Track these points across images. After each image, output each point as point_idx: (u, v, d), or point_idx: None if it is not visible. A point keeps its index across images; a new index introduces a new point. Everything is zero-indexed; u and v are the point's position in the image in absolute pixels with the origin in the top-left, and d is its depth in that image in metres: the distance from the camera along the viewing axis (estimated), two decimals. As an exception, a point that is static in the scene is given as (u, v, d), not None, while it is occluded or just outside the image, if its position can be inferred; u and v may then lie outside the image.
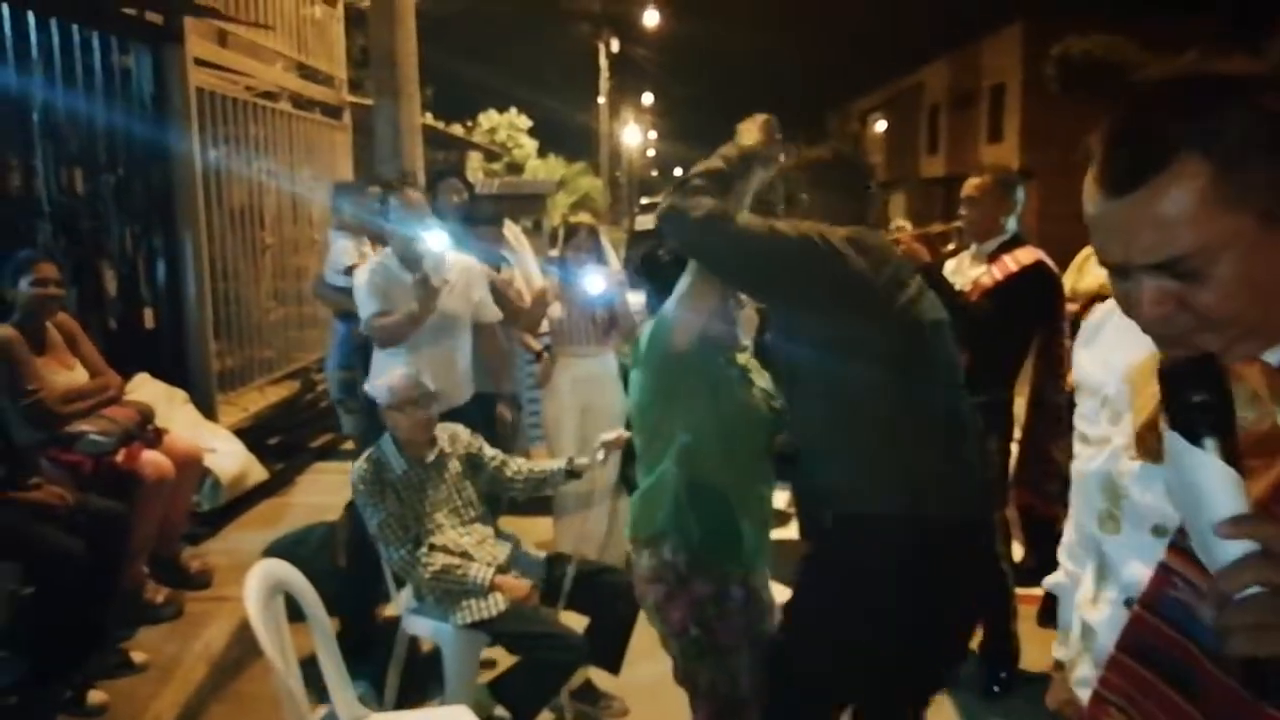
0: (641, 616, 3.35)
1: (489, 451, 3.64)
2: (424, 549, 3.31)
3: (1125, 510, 1.20)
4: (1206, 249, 0.96)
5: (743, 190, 2.47)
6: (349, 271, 4.69)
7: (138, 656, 3.58)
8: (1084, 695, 1.26)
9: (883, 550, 2.29)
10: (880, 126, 35.58)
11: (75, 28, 4.90)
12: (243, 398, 6.03)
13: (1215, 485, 0.90)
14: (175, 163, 5.39)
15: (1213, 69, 0.99)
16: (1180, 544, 1.06)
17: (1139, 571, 1.15)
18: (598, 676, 3.63)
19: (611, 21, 35.06)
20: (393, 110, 7.36)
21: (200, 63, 5.59)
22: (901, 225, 7.15)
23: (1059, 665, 1.48)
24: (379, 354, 4.17)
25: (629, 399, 2.85)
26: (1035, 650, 3.72)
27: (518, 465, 3.65)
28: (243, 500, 5.10)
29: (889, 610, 2.29)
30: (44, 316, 3.85)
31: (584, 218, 5.39)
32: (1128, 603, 1.16)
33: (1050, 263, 3.67)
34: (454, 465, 3.53)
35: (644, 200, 20.91)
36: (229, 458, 4.86)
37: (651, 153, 64.73)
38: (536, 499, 4.01)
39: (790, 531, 4.83)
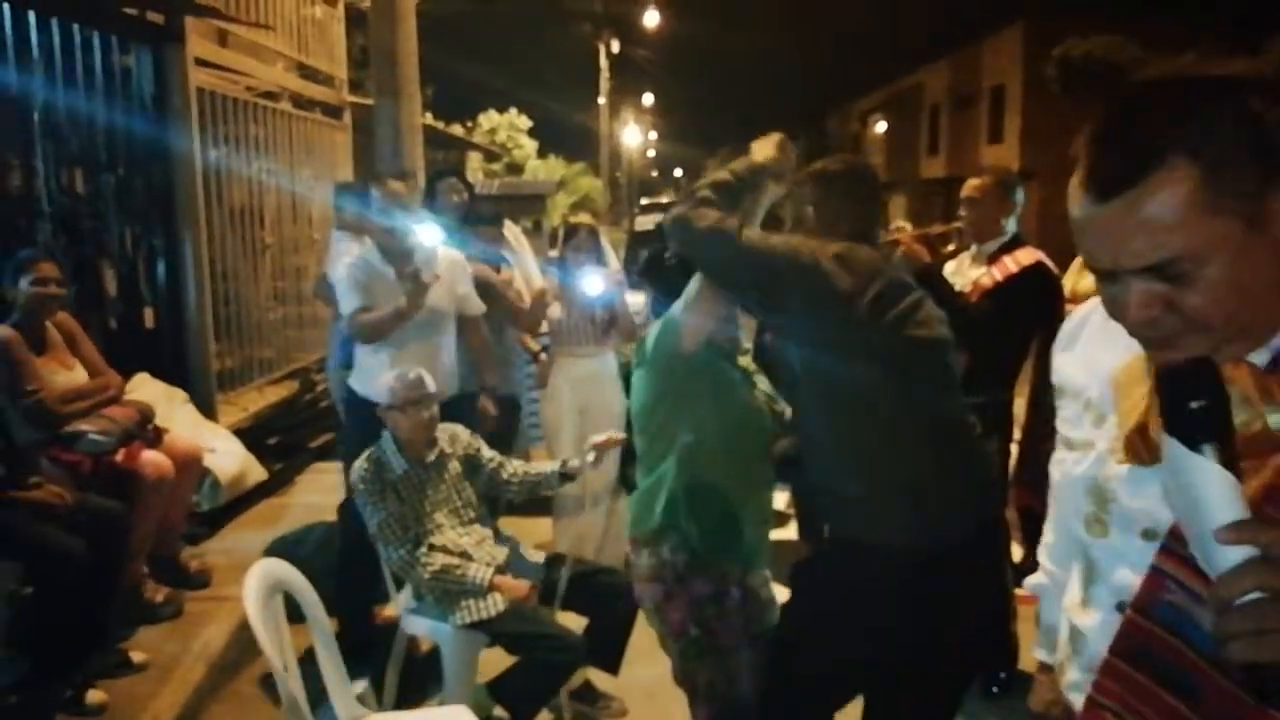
0: (640, 617, 3.36)
1: (487, 453, 3.64)
2: (423, 549, 3.31)
3: (1113, 514, 1.19)
4: (1195, 252, 0.97)
5: (754, 204, 2.52)
6: None
7: (137, 656, 3.58)
8: (1076, 700, 1.26)
9: (882, 568, 2.29)
10: (880, 127, 35.57)
11: (76, 27, 4.91)
12: (242, 397, 6.03)
13: (1214, 491, 0.90)
14: (176, 162, 5.39)
15: (1201, 71, 1.00)
16: (1172, 547, 1.07)
17: (1130, 576, 1.15)
18: (597, 677, 3.63)
19: (612, 22, 35.04)
20: (393, 110, 7.35)
21: (201, 62, 5.60)
22: (902, 226, 7.14)
23: (1042, 666, 1.48)
24: (363, 349, 4.10)
25: (631, 399, 2.85)
26: (1035, 651, 3.72)
27: (514, 467, 3.65)
28: (242, 500, 5.10)
29: (887, 629, 2.29)
30: (44, 316, 3.85)
31: (584, 218, 5.40)
32: (1120, 607, 1.16)
33: (1050, 264, 3.67)
34: (454, 466, 3.53)
35: (644, 201, 20.92)
36: (228, 457, 4.87)
37: (651, 153, 64.84)
38: (536, 499, 4.01)
39: (790, 532, 4.83)
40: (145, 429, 4.01)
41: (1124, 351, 1.14)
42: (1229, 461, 0.91)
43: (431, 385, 3.49)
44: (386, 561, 3.41)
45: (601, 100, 37.12)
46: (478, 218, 4.89)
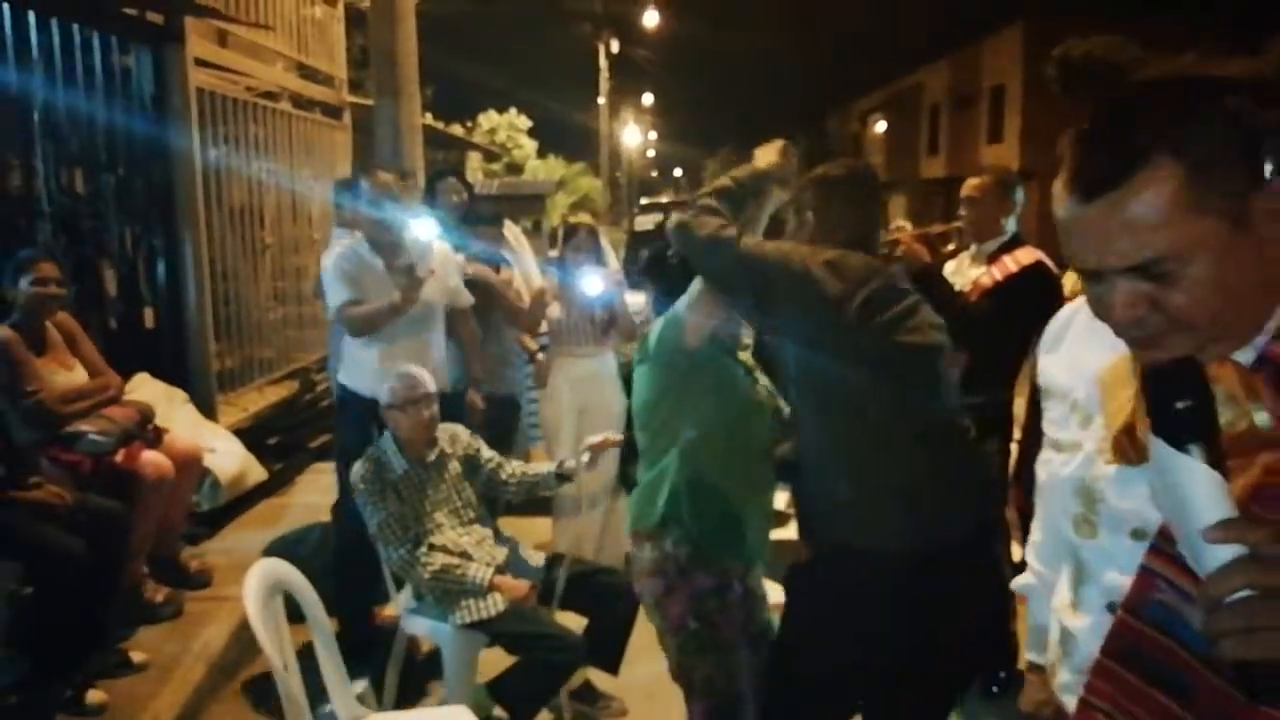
0: (640, 617, 3.36)
1: (486, 453, 3.64)
2: (423, 549, 3.31)
3: (1102, 515, 1.19)
4: (1179, 251, 0.98)
5: (758, 210, 2.57)
6: None
7: (137, 656, 3.58)
8: (1068, 702, 1.26)
9: (876, 573, 2.29)
10: (880, 127, 35.57)
11: (76, 27, 4.90)
12: (242, 398, 6.03)
13: (1201, 490, 0.91)
14: (175, 162, 5.38)
15: (1187, 72, 1.00)
16: (1162, 547, 1.07)
17: (1119, 576, 1.15)
18: (596, 677, 3.63)
19: (612, 22, 35.03)
20: (393, 110, 7.35)
21: (200, 63, 5.59)
22: (901, 226, 7.15)
23: (1032, 667, 1.48)
24: (352, 344, 4.06)
25: (633, 395, 2.86)
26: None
27: (512, 468, 3.65)
28: (242, 500, 5.10)
29: (884, 633, 2.30)
30: (44, 316, 3.85)
31: (583, 218, 5.39)
32: (1110, 607, 1.16)
33: (1050, 263, 3.67)
34: (454, 466, 3.53)
35: (643, 201, 20.90)
36: (228, 457, 4.87)
37: (651, 153, 64.81)
38: (536, 500, 4.00)
39: (790, 532, 4.81)
40: (145, 429, 4.01)
41: (1109, 352, 1.15)
42: (1215, 461, 0.91)
43: (432, 385, 3.49)
44: (386, 561, 3.41)
45: (601, 100, 37.12)
46: (477, 218, 4.89)
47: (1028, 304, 3.60)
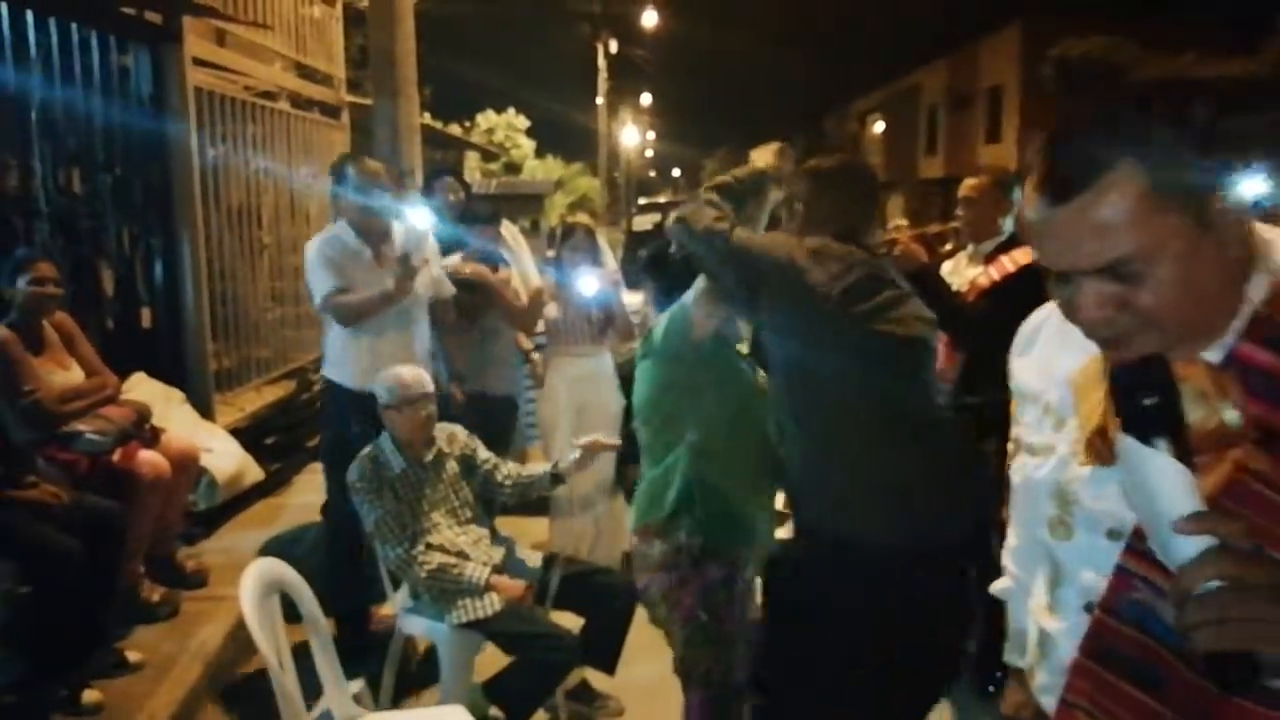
0: (638, 616, 3.36)
1: (483, 454, 3.64)
2: (420, 547, 3.31)
3: (1077, 516, 1.20)
4: (1146, 252, 1.00)
5: (758, 209, 2.64)
6: None
7: (133, 655, 3.57)
8: (1047, 703, 1.27)
9: (866, 567, 2.30)
10: (879, 127, 35.61)
11: (74, 27, 4.90)
12: (240, 397, 6.02)
13: (1170, 484, 0.93)
14: (173, 162, 5.38)
15: (1150, 76, 1.03)
16: (1137, 546, 1.08)
17: (1095, 577, 1.16)
18: (593, 676, 3.63)
19: (610, 22, 35.02)
20: (391, 110, 7.35)
21: (199, 62, 5.59)
22: (899, 225, 7.15)
23: (1012, 670, 1.48)
24: (336, 337, 4.02)
25: (636, 391, 2.88)
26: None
27: (508, 469, 3.65)
28: (239, 500, 5.10)
29: (874, 626, 2.30)
30: (41, 316, 3.85)
31: (581, 218, 5.39)
32: (1087, 608, 1.17)
33: (1047, 264, 3.67)
34: (451, 466, 3.53)
35: (642, 201, 20.88)
36: (225, 457, 4.86)
37: (650, 153, 64.78)
38: (533, 500, 4.00)
39: (789, 531, 4.82)
40: (142, 429, 4.01)
41: (1081, 354, 1.17)
42: (1183, 455, 0.93)
43: (430, 385, 3.49)
44: (383, 560, 3.41)
45: (599, 100, 37.10)
46: (475, 217, 4.89)
47: (1025, 304, 3.57)
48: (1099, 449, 1.10)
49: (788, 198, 2.66)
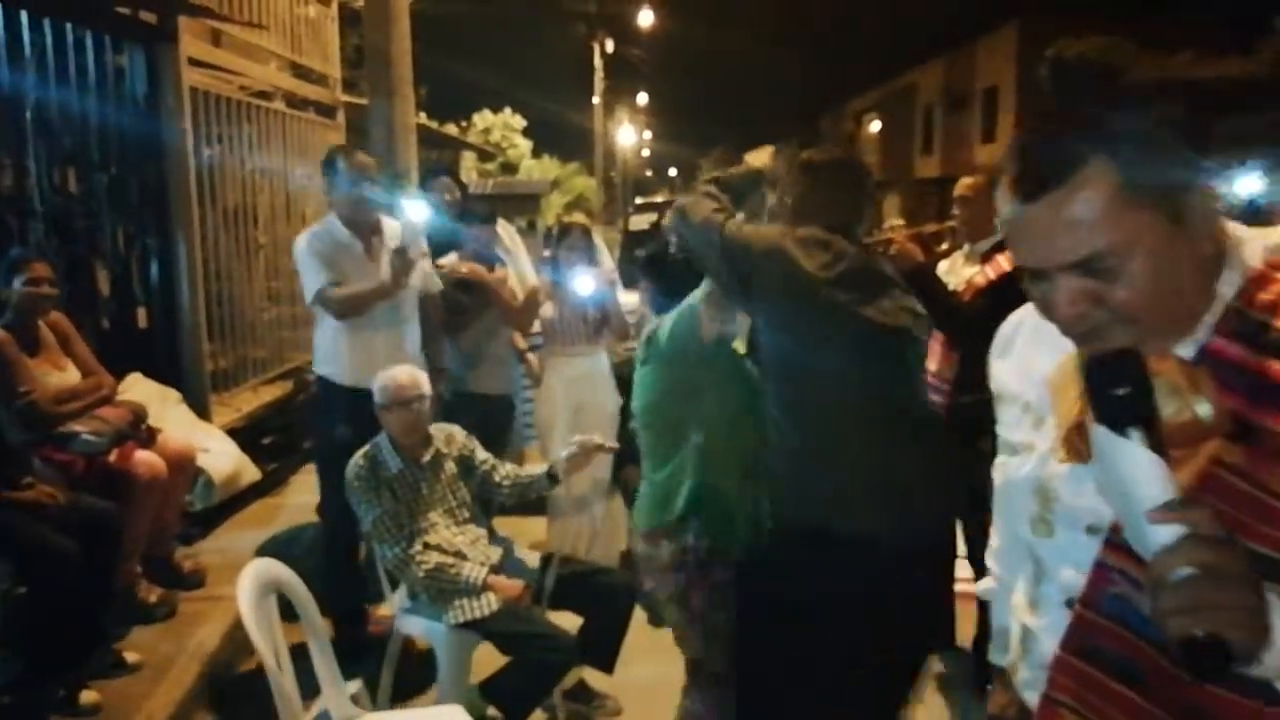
0: (637, 616, 3.37)
1: (481, 454, 3.64)
2: (418, 547, 3.30)
3: (1057, 513, 1.22)
4: (1118, 247, 1.02)
5: (754, 205, 2.68)
6: None
7: (131, 656, 3.57)
8: (1030, 699, 1.28)
9: (854, 561, 2.31)
10: (875, 127, 35.64)
11: (69, 27, 4.89)
12: (236, 397, 6.02)
13: (1142, 474, 0.94)
14: (169, 162, 5.37)
15: (1123, 77, 1.04)
16: (1115, 540, 1.10)
17: (1075, 573, 1.17)
18: (592, 676, 3.63)
19: (606, 22, 35.04)
20: (387, 110, 7.34)
21: (194, 62, 5.58)
22: (895, 225, 7.16)
23: (996, 669, 1.49)
24: (329, 332, 3.99)
25: (637, 395, 2.88)
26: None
27: (506, 470, 3.65)
28: (236, 500, 5.09)
29: (861, 620, 2.32)
30: (37, 316, 3.84)
31: (578, 218, 5.39)
32: (1068, 603, 1.18)
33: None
34: (449, 466, 3.53)
35: (638, 200, 20.88)
36: (222, 457, 4.86)
37: (646, 153, 64.78)
38: (531, 500, 4.00)
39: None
40: (138, 429, 4.00)
41: (1057, 354, 1.18)
42: (1155, 445, 0.95)
43: (426, 387, 3.48)
44: (381, 559, 3.41)
45: (596, 100, 37.10)
46: (472, 217, 4.89)
47: (1021, 303, 3.61)
48: (1076, 445, 1.11)
49: (780, 192, 2.67)
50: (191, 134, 5.46)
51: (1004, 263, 3.65)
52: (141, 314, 5.43)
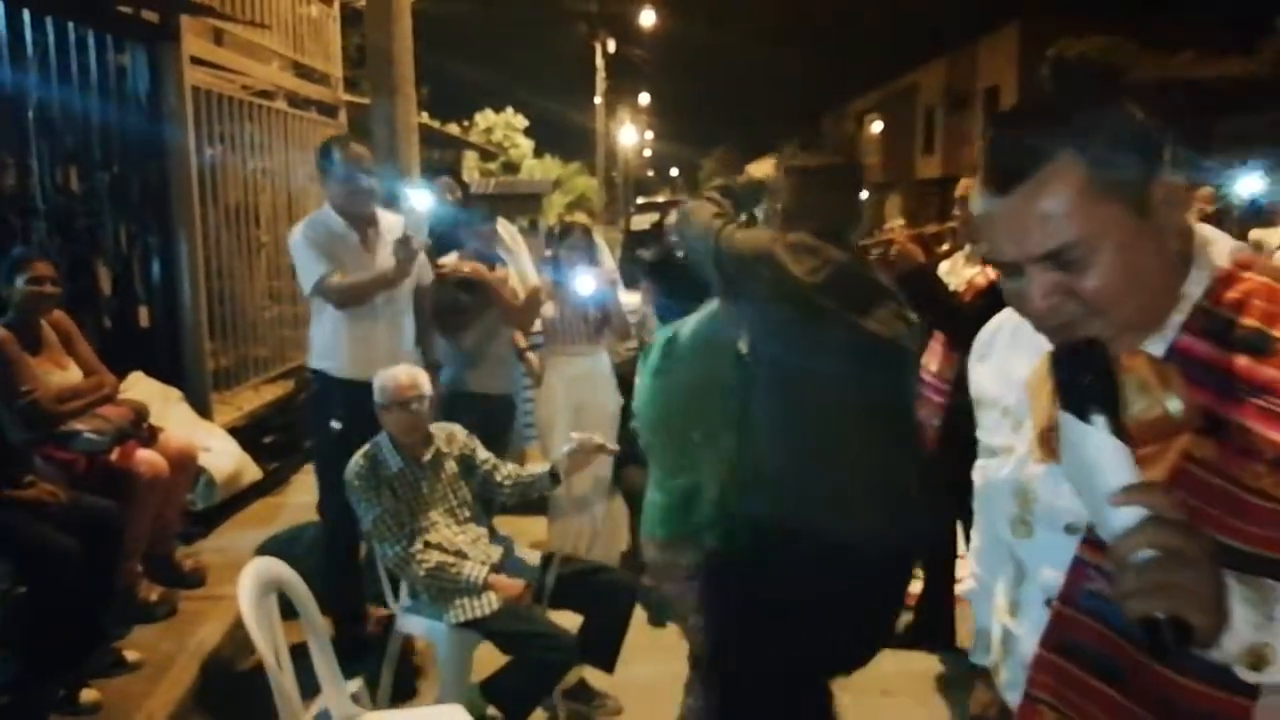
0: (637, 616, 3.37)
1: (482, 454, 3.64)
2: (418, 546, 3.31)
3: (1036, 513, 1.23)
4: (1088, 238, 1.05)
5: (759, 212, 2.72)
6: None
7: (131, 655, 3.57)
8: (1011, 699, 1.29)
9: (846, 564, 2.31)
10: (876, 127, 35.62)
11: (71, 26, 4.90)
12: (237, 396, 6.02)
13: (1107, 459, 0.97)
14: (171, 161, 5.37)
15: (1122, 76, 1.07)
16: (1093, 537, 1.11)
17: (1054, 572, 1.19)
18: (592, 675, 3.63)
19: (608, 22, 35.07)
20: (389, 109, 7.34)
21: (196, 61, 5.58)
22: (896, 225, 7.15)
23: (978, 670, 1.49)
24: (325, 324, 3.96)
25: (645, 402, 2.87)
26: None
27: (507, 470, 3.65)
28: (237, 499, 5.09)
29: (852, 625, 2.33)
30: (39, 315, 3.84)
31: (580, 218, 5.39)
32: (1048, 602, 1.20)
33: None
34: (450, 465, 3.53)
35: (640, 200, 20.91)
36: (223, 456, 4.86)
37: (648, 153, 64.80)
38: (532, 499, 4.00)
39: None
40: (140, 428, 4.00)
41: (1034, 357, 1.19)
42: (1119, 431, 0.98)
43: (426, 387, 3.48)
44: (381, 558, 3.41)
45: (598, 100, 37.12)
46: (473, 216, 4.89)
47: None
48: (1051, 445, 1.12)
49: (771, 198, 2.69)
50: (193, 133, 5.46)
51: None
52: (143, 313, 5.43)
